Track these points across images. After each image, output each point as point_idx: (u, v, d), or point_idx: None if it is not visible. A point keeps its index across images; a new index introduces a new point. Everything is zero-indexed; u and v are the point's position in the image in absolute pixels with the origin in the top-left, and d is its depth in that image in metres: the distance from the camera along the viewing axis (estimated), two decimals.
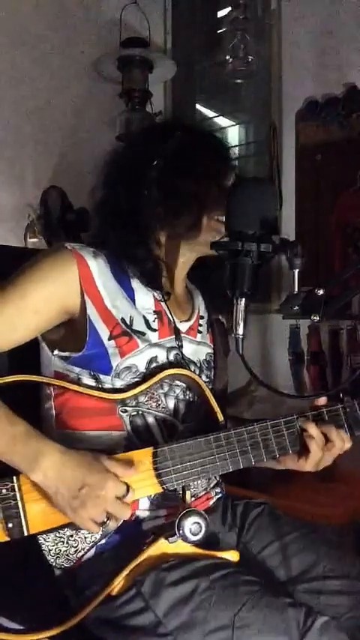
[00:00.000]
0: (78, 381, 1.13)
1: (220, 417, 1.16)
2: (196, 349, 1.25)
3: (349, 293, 1.10)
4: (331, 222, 2.39)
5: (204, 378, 1.24)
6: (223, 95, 2.88)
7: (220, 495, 1.28)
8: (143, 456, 1.08)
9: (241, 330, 1.03)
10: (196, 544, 1.07)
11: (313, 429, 1.11)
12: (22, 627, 1.05)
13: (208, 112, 3.00)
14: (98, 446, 1.09)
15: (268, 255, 1.03)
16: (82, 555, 1.10)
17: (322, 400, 1.15)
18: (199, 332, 1.28)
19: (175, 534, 1.05)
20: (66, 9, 2.61)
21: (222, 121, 2.91)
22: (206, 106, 2.99)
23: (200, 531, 1.04)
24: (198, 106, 2.99)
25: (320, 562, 1.16)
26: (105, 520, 1.02)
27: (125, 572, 1.04)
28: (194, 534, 1.04)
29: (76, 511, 1.01)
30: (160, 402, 1.16)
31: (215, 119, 2.94)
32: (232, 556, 1.12)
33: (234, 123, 2.88)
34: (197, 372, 1.23)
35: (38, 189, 2.49)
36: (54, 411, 1.16)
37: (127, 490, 1.03)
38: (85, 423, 1.13)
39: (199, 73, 2.96)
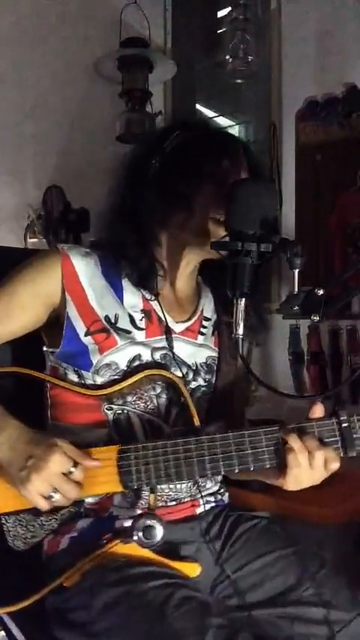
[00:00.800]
0: (65, 376, 1.18)
1: (196, 421, 1.13)
2: (194, 351, 1.24)
3: (349, 293, 1.11)
4: (331, 222, 2.39)
5: (200, 381, 1.23)
6: (223, 95, 2.88)
7: (213, 505, 1.25)
8: (109, 453, 1.08)
9: (241, 330, 1.03)
10: (153, 549, 1.05)
11: (293, 440, 1.02)
12: None
13: (208, 112, 3.00)
14: (81, 440, 1.09)
15: (268, 255, 1.03)
16: (39, 541, 1.13)
17: (319, 412, 1.07)
18: (202, 334, 1.27)
19: (131, 536, 1.03)
20: (66, 9, 2.61)
21: (222, 121, 2.91)
22: (206, 106, 2.99)
23: (154, 537, 1.02)
24: (198, 106, 2.99)
25: (301, 586, 1.12)
26: (51, 495, 1.02)
27: (77, 567, 1.06)
28: (147, 539, 1.02)
29: (24, 483, 1.02)
30: (148, 403, 1.16)
31: (215, 119, 2.94)
32: (190, 569, 1.09)
33: (234, 123, 2.88)
34: (191, 375, 1.22)
35: (38, 189, 2.49)
36: (49, 403, 1.20)
37: (76, 466, 1.02)
38: (71, 417, 1.15)
39: (199, 73, 2.95)
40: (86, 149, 2.60)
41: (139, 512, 1.10)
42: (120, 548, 1.06)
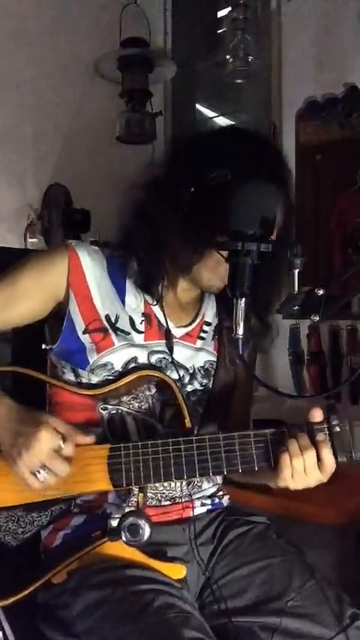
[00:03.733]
0: (62, 375, 1.19)
1: (188, 423, 1.13)
2: (192, 355, 1.24)
3: (349, 293, 1.10)
4: (331, 222, 2.39)
5: (196, 385, 1.23)
6: (223, 95, 2.89)
7: (210, 507, 1.24)
8: (101, 451, 1.08)
9: (240, 330, 1.03)
10: (139, 548, 1.05)
11: (289, 443, 1.03)
12: None
13: (208, 112, 3.00)
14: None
15: (268, 255, 1.03)
16: (28, 537, 1.13)
17: (318, 417, 1.06)
18: (201, 338, 1.26)
19: (117, 535, 1.03)
20: (66, 9, 2.61)
21: (222, 121, 2.91)
22: (206, 106, 2.99)
23: (139, 535, 1.01)
24: (198, 106, 2.99)
25: (286, 596, 1.09)
26: (39, 471, 1.02)
27: (64, 564, 1.06)
28: (133, 537, 1.01)
29: (15, 461, 1.03)
30: (143, 403, 1.16)
31: (215, 119, 2.94)
32: (176, 571, 1.08)
33: (234, 123, 2.88)
34: (187, 379, 1.22)
35: (38, 189, 2.49)
36: (48, 401, 1.22)
37: (65, 442, 1.03)
38: (68, 415, 1.15)
39: (199, 73, 2.96)
40: (86, 149, 2.61)
41: (128, 510, 1.09)
42: (107, 547, 1.06)
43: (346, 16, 2.39)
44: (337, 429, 1.05)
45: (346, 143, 2.37)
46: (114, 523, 1.05)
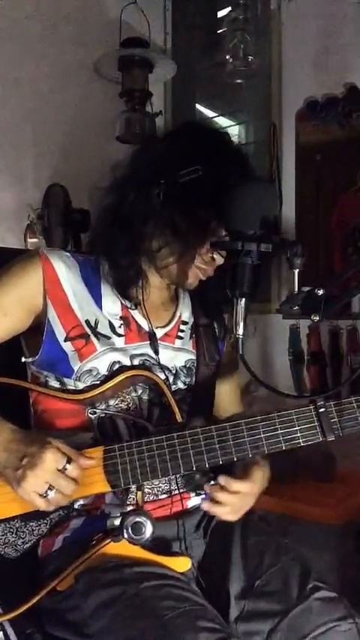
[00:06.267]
0: (46, 384, 1.18)
1: (179, 418, 1.14)
2: (173, 355, 1.24)
3: (349, 293, 1.10)
4: (331, 222, 2.39)
5: (180, 384, 1.24)
6: (223, 95, 2.88)
7: (204, 497, 1.23)
8: (95, 454, 1.08)
9: (241, 330, 1.03)
10: (143, 546, 1.05)
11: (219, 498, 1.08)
12: None
13: (208, 112, 3.00)
14: (67, 444, 1.09)
15: (268, 255, 1.03)
16: (29, 547, 1.13)
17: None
18: (180, 338, 1.27)
19: (120, 534, 1.03)
20: (66, 9, 2.61)
21: (222, 121, 2.91)
22: (206, 106, 2.99)
23: (143, 532, 1.02)
24: (198, 106, 2.99)
25: (256, 578, 1.11)
26: (47, 492, 1.01)
27: (69, 569, 1.06)
28: (137, 535, 1.02)
29: (20, 482, 1.01)
30: (131, 405, 1.17)
31: (215, 119, 2.94)
32: (181, 564, 1.09)
33: (234, 123, 2.88)
34: (172, 379, 1.22)
35: (38, 189, 2.49)
36: (32, 411, 1.21)
37: (69, 463, 1.02)
38: (55, 423, 1.16)
39: (199, 73, 2.95)
40: (86, 149, 2.60)
41: (128, 509, 1.10)
42: (110, 546, 1.06)
43: (346, 16, 2.39)
44: (322, 409, 1.07)
45: (346, 143, 2.38)
46: (116, 522, 1.05)
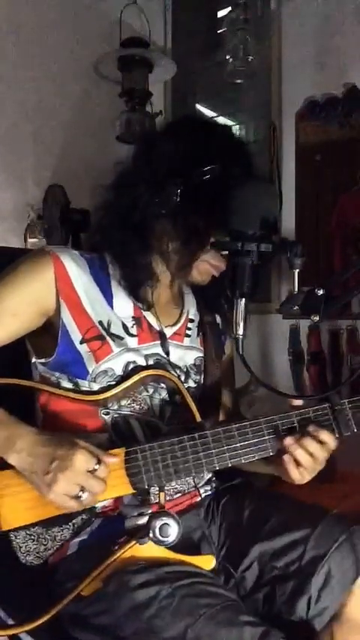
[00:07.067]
0: (58, 385, 1.15)
1: (198, 418, 1.14)
2: (183, 354, 1.24)
3: (349, 293, 1.11)
4: (331, 222, 2.39)
5: (191, 382, 1.23)
6: (223, 95, 2.88)
7: (209, 493, 1.27)
8: (117, 456, 1.07)
9: (241, 330, 1.04)
10: (168, 547, 1.05)
11: (288, 443, 1.07)
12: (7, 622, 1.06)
13: (208, 112, 2.99)
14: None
15: (268, 255, 1.03)
16: (52, 553, 1.10)
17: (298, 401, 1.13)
18: (187, 336, 1.26)
19: (146, 536, 1.03)
20: (66, 9, 2.61)
21: (222, 121, 2.90)
22: (206, 106, 2.99)
23: (170, 533, 1.02)
24: (198, 106, 2.99)
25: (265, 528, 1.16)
26: (79, 494, 1.01)
27: (95, 574, 1.04)
28: (164, 536, 1.02)
29: (50, 487, 1.00)
30: (143, 405, 1.16)
31: (215, 119, 2.93)
32: (206, 562, 1.10)
33: (234, 123, 2.88)
34: (183, 377, 1.22)
35: (38, 189, 2.49)
36: (40, 414, 1.18)
37: (99, 463, 1.01)
38: (68, 425, 1.13)
39: (199, 73, 2.95)
40: (86, 149, 2.60)
41: (149, 510, 1.10)
42: (136, 549, 1.05)
43: (346, 16, 2.39)
44: (338, 406, 1.10)
45: (346, 143, 2.38)
46: (138, 522, 1.07)
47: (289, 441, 1.07)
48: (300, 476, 1.10)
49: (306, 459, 1.08)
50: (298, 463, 1.08)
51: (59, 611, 1.04)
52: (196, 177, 1.11)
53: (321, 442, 1.08)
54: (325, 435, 1.08)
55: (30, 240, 2.50)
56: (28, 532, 1.09)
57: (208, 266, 1.19)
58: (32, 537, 1.09)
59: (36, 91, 2.52)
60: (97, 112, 2.71)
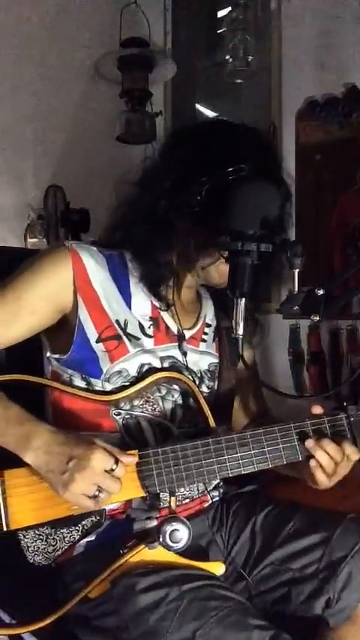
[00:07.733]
0: (70, 382, 1.14)
1: (212, 423, 1.13)
2: (198, 359, 1.22)
3: (349, 293, 1.11)
4: (331, 222, 2.39)
5: (204, 388, 1.22)
6: (223, 95, 2.88)
7: (217, 499, 1.26)
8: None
9: (241, 330, 1.03)
10: (178, 552, 1.04)
11: (319, 455, 1.07)
12: (9, 622, 1.06)
13: (208, 112, 3.00)
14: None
15: (268, 255, 1.03)
16: (60, 554, 1.09)
17: (319, 409, 1.11)
18: (203, 341, 1.25)
19: (156, 541, 1.02)
20: (66, 9, 2.61)
21: None
22: (206, 106, 2.99)
23: (181, 539, 1.02)
24: (198, 106, 2.99)
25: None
26: (96, 494, 1.00)
27: (103, 576, 1.04)
28: (174, 542, 1.02)
29: (67, 486, 0.99)
30: (155, 406, 1.15)
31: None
32: (216, 568, 1.09)
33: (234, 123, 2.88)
34: (197, 383, 1.20)
35: (38, 189, 2.49)
36: (51, 411, 1.17)
37: (116, 463, 1.00)
38: (79, 423, 1.12)
39: (199, 73, 2.95)
40: (86, 149, 2.60)
41: (157, 514, 1.09)
42: (144, 554, 1.05)
43: (346, 16, 2.39)
44: (354, 418, 1.08)
45: (345, 143, 2.37)
46: (147, 525, 1.06)
47: (310, 444, 1.07)
48: (327, 481, 1.11)
49: (331, 465, 1.08)
50: (323, 469, 1.08)
51: (64, 614, 1.04)
52: (224, 176, 1.10)
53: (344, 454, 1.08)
54: (349, 448, 1.08)
55: (30, 240, 2.50)
56: (36, 532, 1.08)
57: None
58: (41, 537, 1.08)
59: (36, 91, 2.53)
60: (97, 112, 2.70)
